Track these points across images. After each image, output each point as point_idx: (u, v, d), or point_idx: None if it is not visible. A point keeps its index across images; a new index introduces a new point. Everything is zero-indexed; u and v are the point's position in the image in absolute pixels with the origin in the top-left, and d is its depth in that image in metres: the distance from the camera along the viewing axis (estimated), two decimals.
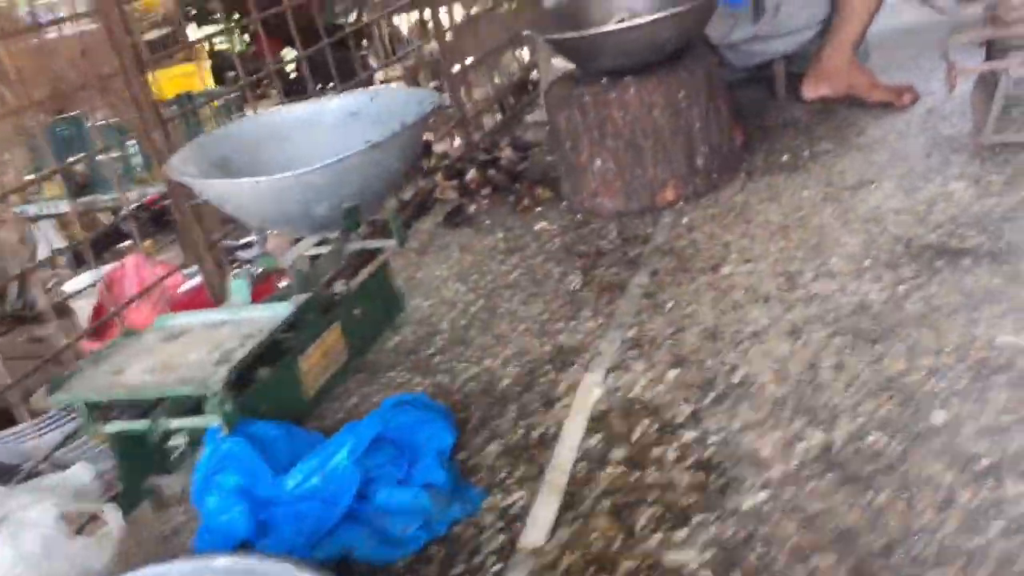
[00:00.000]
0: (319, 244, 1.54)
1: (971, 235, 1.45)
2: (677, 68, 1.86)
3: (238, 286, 1.37)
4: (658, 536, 1.02)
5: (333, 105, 1.66)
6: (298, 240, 1.55)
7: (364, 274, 1.54)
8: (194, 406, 1.22)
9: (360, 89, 1.71)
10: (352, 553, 1.10)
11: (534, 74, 3.22)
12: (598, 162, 1.90)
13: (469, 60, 2.94)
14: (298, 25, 2.18)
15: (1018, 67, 1.76)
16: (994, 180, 1.61)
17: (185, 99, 3.49)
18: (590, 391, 1.31)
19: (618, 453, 1.17)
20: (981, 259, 1.37)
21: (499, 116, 2.99)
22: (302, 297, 1.36)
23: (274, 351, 1.36)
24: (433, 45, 2.83)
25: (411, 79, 3.50)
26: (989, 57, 1.87)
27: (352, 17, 5.05)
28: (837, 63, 2.19)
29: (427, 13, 2.67)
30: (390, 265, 1.63)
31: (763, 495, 1.03)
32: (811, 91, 2.25)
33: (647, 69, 1.87)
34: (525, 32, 2.14)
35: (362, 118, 1.62)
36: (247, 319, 1.31)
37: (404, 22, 4.12)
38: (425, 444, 1.19)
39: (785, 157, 1.99)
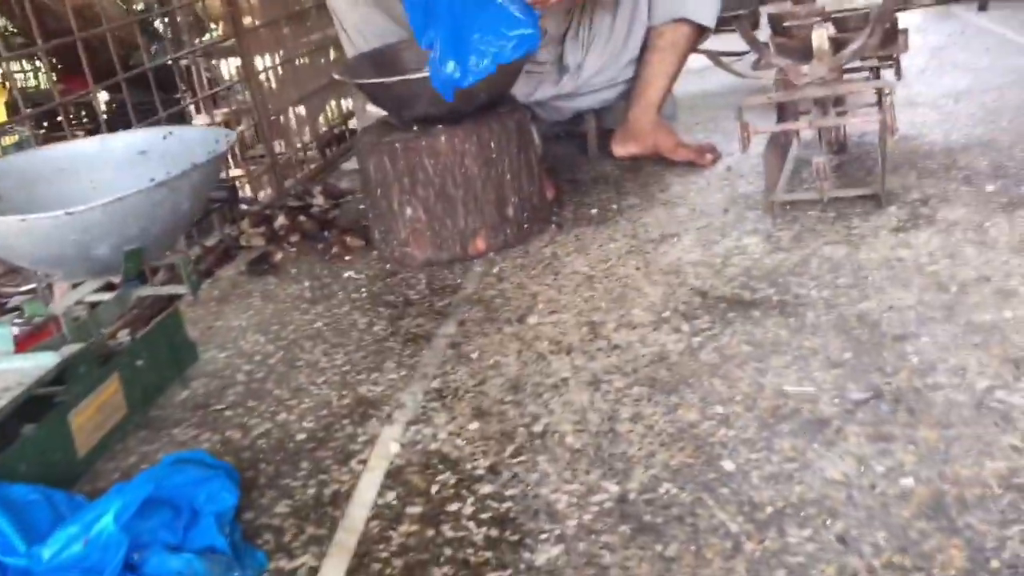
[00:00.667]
0: (106, 290, 1.43)
1: (761, 288, 1.50)
2: (488, 119, 1.87)
3: None
4: None
5: (121, 142, 1.56)
6: (77, 285, 1.43)
7: (151, 324, 1.44)
8: None
9: (152, 127, 1.62)
10: None
11: (354, 122, 3.18)
12: (408, 211, 1.86)
13: (288, 107, 2.87)
14: (98, 64, 2.05)
15: (805, 129, 1.87)
16: (783, 236, 1.69)
17: None
18: (388, 445, 1.26)
19: (414, 510, 1.12)
20: (770, 311, 1.42)
21: (315, 164, 2.92)
22: (73, 347, 1.25)
23: (40, 406, 1.24)
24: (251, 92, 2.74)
25: (231, 126, 3.39)
26: (780, 120, 1.97)
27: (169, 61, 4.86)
28: (643, 124, 2.27)
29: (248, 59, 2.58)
30: (181, 314, 1.53)
31: (557, 550, 1.00)
32: (620, 149, 2.31)
33: (458, 118, 1.86)
34: (336, 76, 2.10)
35: (152, 156, 1.53)
36: (5, 370, 1.18)
37: (225, 68, 4.00)
38: (204, 505, 1.10)
39: (594, 210, 2.02)
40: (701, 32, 2.24)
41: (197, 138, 1.52)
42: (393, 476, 1.19)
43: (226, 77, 4.13)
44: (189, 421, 1.41)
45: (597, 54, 2.29)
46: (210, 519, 1.09)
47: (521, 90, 2.21)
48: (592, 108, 2.39)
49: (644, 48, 2.27)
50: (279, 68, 2.86)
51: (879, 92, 1.79)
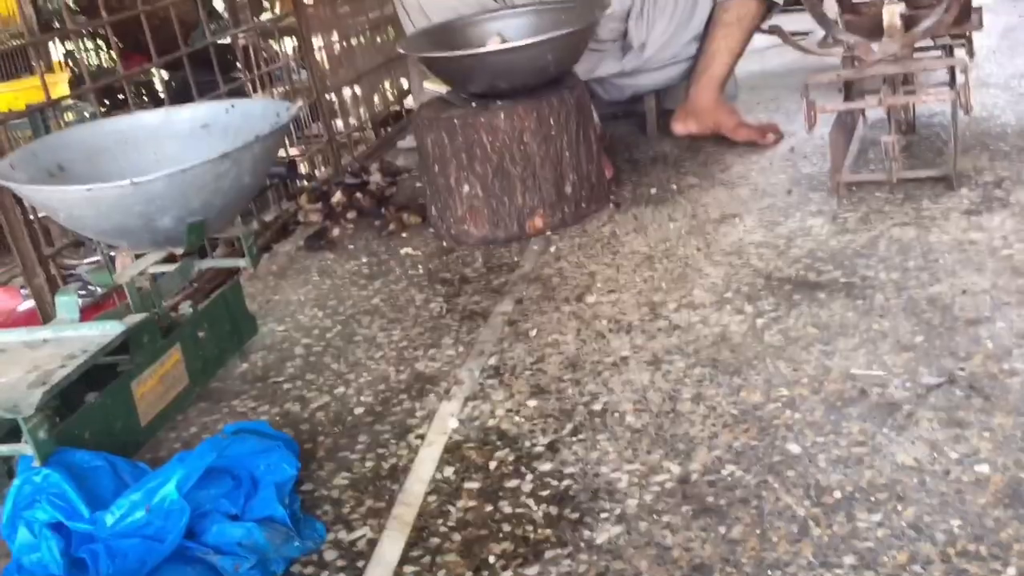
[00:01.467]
0: (168, 262, 1.44)
1: (827, 270, 1.47)
2: (548, 94, 1.85)
3: (64, 302, 1.26)
4: (508, 573, 0.96)
5: (185, 115, 1.56)
6: (140, 256, 1.45)
7: (212, 296, 1.45)
8: (9, 432, 1.11)
9: (215, 100, 1.62)
10: None
11: (409, 101, 3.18)
12: (466, 187, 1.85)
13: (344, 86, 2.88)
14: (158, 43, 2.07)
15: (873, 108, 1.82)
16: (849, 217, 1.64)
17: (36, 112, 3.28)
18: (446, 421, 1.25)
19: (472, 485, 1.11)
20: (836, 293, 1.39)
21: (371, 143, 2.93)
22: (137, 317, 1.26)
23: (104, 374, 1.26)
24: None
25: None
26: (847, 99, 1.92)
27: (228, 40, 4.90)
28: (704, 102, 2.23)
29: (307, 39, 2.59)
30: (241, 287, 1.54)
31: (618, 529, 0.99)
32: (680, 128, 2.28)
33: (519, 94, 1.84)
34: (401, 50, 2.09)
35: (215, 130, 1.53)
36: (72, 338, 1.20)
37: (280, 47, 4.02)
38: (264, 476, 1.11)
39: (653, 190, 2.00)
40: (768, 9, 2.19)
41: (259, 111, 1.53)
42: (451, 451, 1.19)
43: (281, 57, 4.16)
44: (248, 393, 1.42)
45: (660, 31, 2.25)
46: (270, 489, 1.09)
47: (582, 67, 2.17)
48: (654, 87, 2.35)
49: (708, 24, 2.23)
50: (336, 46, 2.87)
51: (953, 70, 1.73)
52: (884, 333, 1.25)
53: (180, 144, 1.53)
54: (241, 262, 1.49)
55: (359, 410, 1.33)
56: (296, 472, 1.14)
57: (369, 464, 1.19)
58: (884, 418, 1.07)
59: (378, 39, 3.17)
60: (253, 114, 1.53)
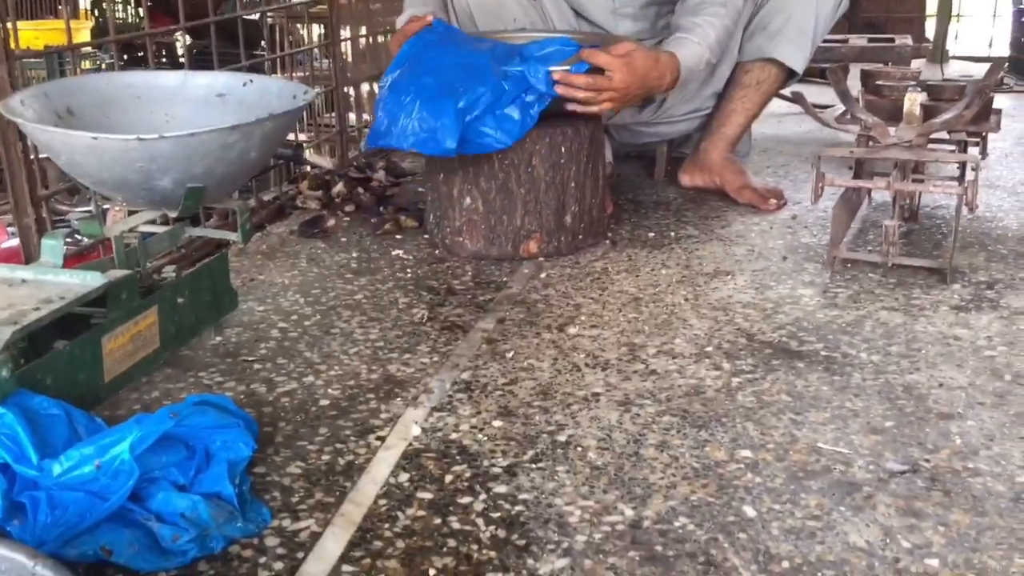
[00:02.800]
0: (160, 224, 1.43)
1: (810, 340, 1.47)
2: (564, 123, 1.85)
3: (50, 246, 1.25)
4: None
5: (202, 81, 1.56)
6: (133, 212, 1.44)
7: (198, 265, 1.44)
8: None
9: (235, 72, 1.62)
10: (110, 556, 0.99)
11: None
12: (467, 200, 1.85)
13: (364, 80, 2.89)
14: (190, 7, 2.07)
15: (881, 190, 1.83)
16: (840, 293, 1.65)
17: (55, 54, 3.27)
18: (409, 427, 1.25)
19: (424, 495, 1.10)
20: (815, 365, 1.39)
21: None
22: (119, 273, 1.25)
23: (77, 325, 1.24)
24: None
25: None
26: (856, 177, 1.94)
27: (256, 17, 4.92)
28: (713, 159, 2.24)
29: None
30: (228, 261, 1.53)
31: (562, 563, 0.98)
32: (687, 178, 2.29)
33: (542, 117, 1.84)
34: None
35: (230, 101, 1.53)
36: (51, 283, 1.19)
37: (307, 33, 4.03)
38: (219, 451, 1.10)
39: (651, 234, 2.00)
40: (788, 76, 2.21)
41: (276, 90, 1.52)
42: (409, 458, 1.18)
43: (307, 42, 4.17)
44: (217, 367, 1.41)
45: (681, 88, 2.26)
46: (222, 466, 1.08)
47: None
48: (669, 137, 2.37)
49: (728, 83, 2.25)
50: (362, 40, 2.87)
51: (964, 166, 1.75)
52: (856, 412, 1.25)
53: (193, 109, 1.53)
54: (232, 236, 1.48)
55: (324, 402, 1.32)
56: (251, 453, 1.13)
57: (325, 457, 1.18)
58: (843, 496, 1.07)
59: None
60: (270, 92, 1.53)
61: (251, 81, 1.56)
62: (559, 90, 1.72)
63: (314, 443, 1.21)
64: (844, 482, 1.10)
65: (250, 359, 1.44)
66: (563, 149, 1.84)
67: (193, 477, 1.07)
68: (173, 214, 1.39)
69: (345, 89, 2.81)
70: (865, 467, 1.13)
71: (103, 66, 3.31)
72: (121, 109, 1.52)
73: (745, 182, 2.22)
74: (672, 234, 2.00)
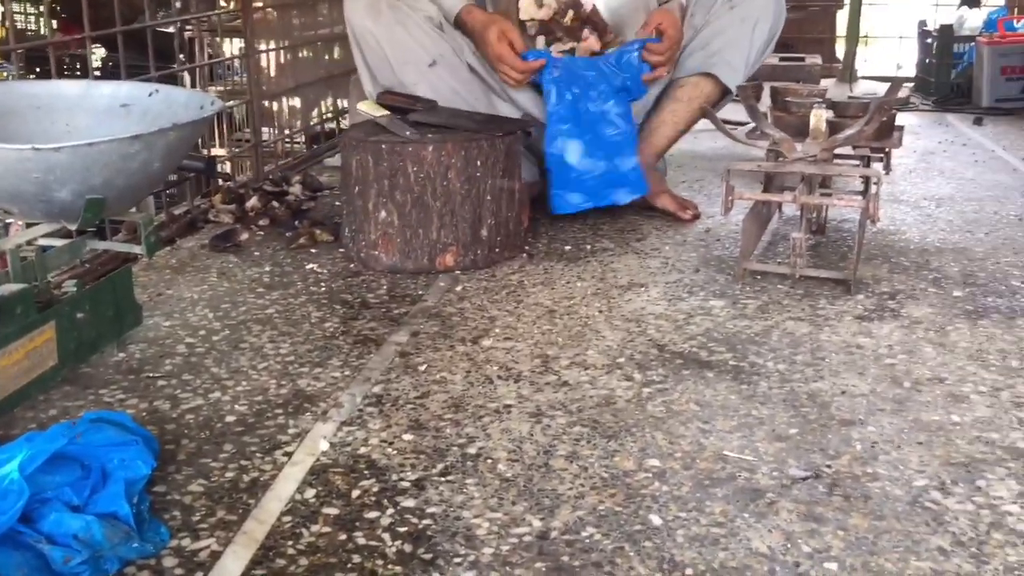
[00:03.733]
0: (62, 237, 1.39)
1: (719, 351, 1.49)
2: (480, 137, 1.85)
3: None
4: None
5: (105, 91, 1.52)
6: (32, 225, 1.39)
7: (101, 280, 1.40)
8: None
9: (140, 82, 1.59)
10: None
11: (347, 122, 3.16)
12: (383, 213, 1.84)
13: (282, 94, 2.85)
14: (101, 20, 2.02)
15: (789, 203, 1.87)
16: (749, 304, 1.68)
17: None
18: (317, 442, 1.23)
19: (330, 511, 1.08)
20: (724, 375, 1.41)
21: (300, 156, 2.90)
22: (13, 287, 1.21)
23: None
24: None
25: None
26: (766, 190, 1.98)
27: (172, 30, 4.83)
28: None
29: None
30: (132, 274, 1.49)
31: (468, 575, 0.97)
32: None
33: (455, 129, 1.85)
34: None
35: (134, 111, 1.49)
36: None
37: (229, 48, 3.97)
38: (116, 470, 1.06)
39: (568, 247, 2.01)
40: (720, 97, 2.24)
41: (182, 100, 1.49)
42: (316, 474, 1.16)
43: (226, 55, 4.11)
44: (119, 384, 1.37)
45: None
46: (119, 485, 1.05)
47: (539, 114, 2.19)
48: None
49: (661, 97, 2.27)
50: (281, 54, 2.84)
51: (867, 179, 1.80)
52: (762, 420, 1.27)
53: (95, 119, 1.49)
54: (137, 249, 1.44)
55: (230, 418, 1.29)
56: (150, 471, 1.09)
57: (229, 475, 1.16)
58: (747, 503, 1.09)
59: (326, 56, 3.16)
60: (176, 102, 1.50)
61: (157, 91, 1.52)
62: (651, 59, 2.09)
63: (218, 460, 1.19)
64: (748, 489, 1.11)
65: (154, 376, 1.40)
66: (479, 162, 1.84)
67: (88, 497, 1.03)
68: (73, 227, 1.35)
69: (265, 103, 2.78)
70: (769, 474, 1.15)
71: (9, 77, 3.22)
72: (20, 119, 1.47)
73: (665, 189, 2.25)
74: (588, 247, 2.02)
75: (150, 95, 1.52)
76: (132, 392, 1.35)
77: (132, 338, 1.51)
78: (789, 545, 1.01)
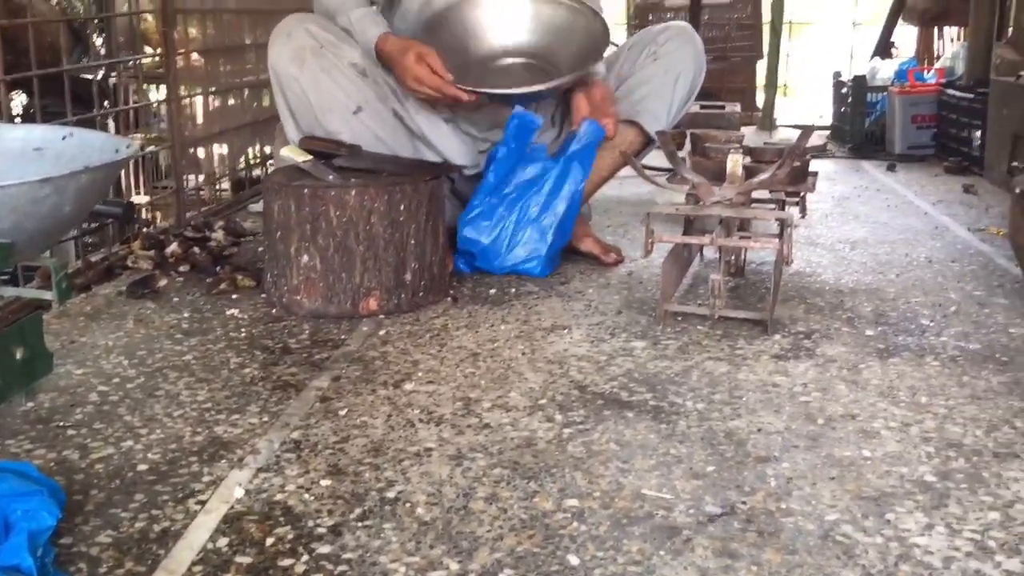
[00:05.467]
0: None
1: (640, 391, 1.51)
2: (404, 181, 1.86)
3: None
4: None
5: (18, 134, 1.49)
6: None
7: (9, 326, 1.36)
8: None
9: (54, 126, 1.56)
10: None
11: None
12: (305, 258, 1.83)
13: (207, 141, 2.83)
14: (20, 66, 1.98)
15: (707, 245, 1.91)
16: (670, 345, 1.71)
17: None
18: (232, 490, 1.20)
19: (243, 559, 1.06)
20: (644, 414, 1.42)
21: (224, 203, 2.87)
22: None
23: None
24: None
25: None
26: (686, 233, 2.02)
27: (99, 75, 4.77)
28: None
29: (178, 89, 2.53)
30: (42, 321, 1.45)
31: None
32: None
33: (379, 174, 1.85)
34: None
35: (47, 155, 1.47)
36: None
37: (155, 95, 3.94)
38: (19, 521, 1.02)
39: (493, 290, 2.02)
40: (643, 146, 2.28)
41: (98, 143, 1.47)
42: (230, 522, 1.13)
43: (153, 103, 4.07)
44: (27, 434, 1.33)
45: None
46: (22, 536, 1.01)
47: (463, 160, 2.21)
48: None
49: None
50: (205, 100, 2.83)
51: (781, 222, 1.85)
52: (680, 459, 1.29)
53: (7, 163, 1.45)
54: (47, 295, 1.41)
55: (142, 467, 1.26)
56: (55, 522, 1.05)
57: (139, 525, 1.12)
58: (664, 540, 1.09)
59: (255, 103, 3.15)
60: (92, 145, 1.48)
61: (71, 135, 1.50)
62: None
63: (128, 510, 1.15)
64: (665, 527, 1.12)
65: (64, 425, 1.36)
66: (402, 207, 1.85)
67: None
68: None
69: (190, 150, 2.75)
70: (686, 511, 1.15)
71: None
72: None
73: (589, 233, 2.28)
74: (513, 291, 2.03)
75: (64, 139, 1.50)
76: (40, 442, 1.31)
77: (42, 387, 1.47)
78: None
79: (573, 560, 1.06)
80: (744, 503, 1.17)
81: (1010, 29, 4.06)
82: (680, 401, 1.47)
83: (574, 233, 2.25)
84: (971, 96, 3.63)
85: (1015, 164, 3.07)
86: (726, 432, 1.37)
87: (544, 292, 2.02)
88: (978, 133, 3.51)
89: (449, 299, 1.96)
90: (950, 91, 3.87)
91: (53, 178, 1.23)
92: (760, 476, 1.24)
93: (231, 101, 3.00)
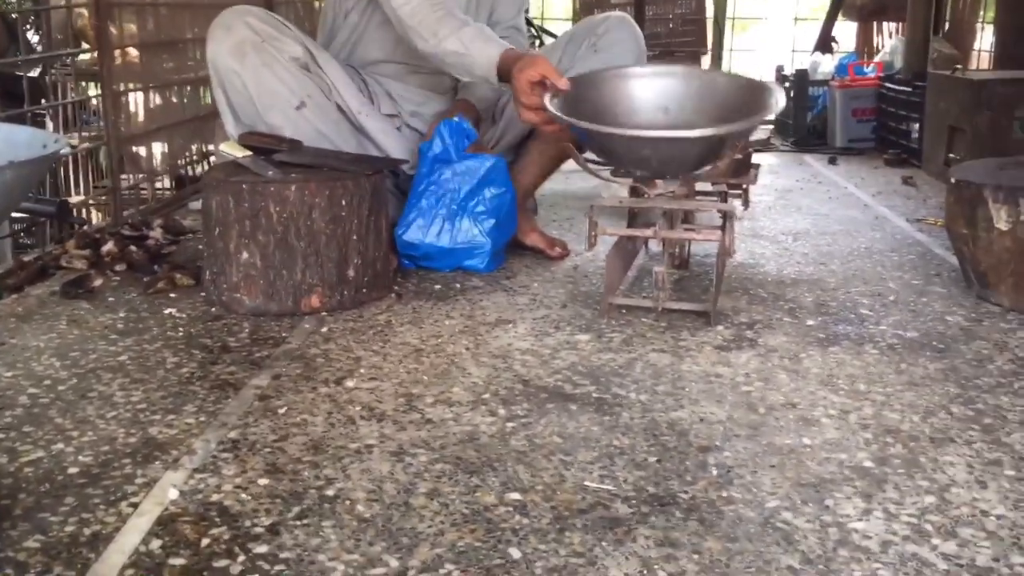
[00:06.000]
0: None
1: (584, 383, 1.50)
2: (345, 176, 1.84)
3: None
4: None
5: None
6: None
7: None
8: None
9: None
10: None
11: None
12: (244, 255, 1.80)
13: (145, 138, 2.77)
14: None
15: (650, 237, 1.91)
16: (614, 338, 1.70)
17: None
18: (166, 491, 1.17)
19: (177, 561, 1.03)
20: (587, 407, 1.42)
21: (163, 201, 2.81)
22: None
23: None
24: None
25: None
26: (631, 226, 2.02)
27: (35, 72, 4.65)
28: None
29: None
30: None
31: None
32: None
33: (320, 169, 1.83)
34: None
35: None
36: None
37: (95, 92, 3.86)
38: None
39: (438, 286, 2.01)
40: None
41: (25, 139, 1.43)
42: (164, 524, 1.10)
43: (95, 102, 3.98)
44: None
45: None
46: None
47: (405, 156, 2.19)
48: None
49: (527, 137, 2.30)
50: (145, 96, 2.77)
51: (724, 214, 1.85)
52: (623, 450, 1.28)
53: None
54: None
55: (73, 470, 1.22)
56: None
57: (69, 529, 1.09)
58: (605, 532, 1.09)
59: (192, 99, 3.10)
60: (17, 142, 1.43)
61: None
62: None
63: (57, 514, 1.12)
64: (608, 518, 1.12)
65: None
66: (344, 202, 1.83)
67: None
68: None
69: (129, 148, 2.69)
70: (628, 502, 1.15)
71: None
72: None
73: (534, 227, 2.28)
74: (458, 286, 2.02)
75: None
76: None
77: None
78: (646, 571, 1.01)
79: (515, 553, 1.05)
80: (686, 492, 1.18)
81: (947, 23, 4.14)
82: (623, 393, 1.47)
83: (519, 228, 2.25)
84: (909, 89, 3.70)
85: (952, 156, 3.13)
86: (668, 423, 1.37)
87: (489, 287, 2.01)
88: (916, 126, 3.57)
89: (393, 295, 1.94)
90: (889, 85, 3.93)
91: None
92: (702, 465, 1.24)
93: (170, 98, 2.95)
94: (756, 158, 2.34)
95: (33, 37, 4.39)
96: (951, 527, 1.10)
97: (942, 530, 1.10)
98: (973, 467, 1.24)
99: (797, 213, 2.77)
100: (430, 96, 2.33)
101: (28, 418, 1.36)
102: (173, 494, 1.17)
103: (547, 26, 4.98)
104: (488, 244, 2.08)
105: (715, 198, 2.18)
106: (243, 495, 1.17)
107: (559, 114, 1.78)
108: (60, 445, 1.29)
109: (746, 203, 2.33)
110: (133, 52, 2.76)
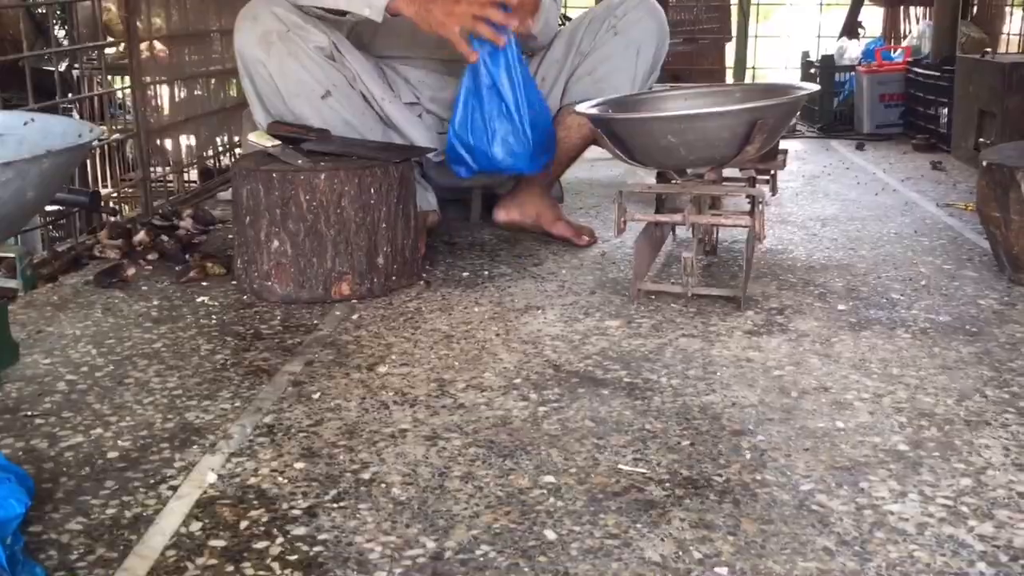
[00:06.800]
0: None
1: (614, 368, 1.51)
2: (374, 164, 1.85)
3: None
4: None
5: None
6: None
7: None
8: None
9: (14, 112, 1.54)
10: None
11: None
12: (275, 243, 1.81)
13: (174, 130, 2.79)
14: None
15: (679, 223, 1.91)
16: (644, 323, 1.71)
17: None
18: (205, 475, 1.19)
19: (217, 543, 1.05)
20: (618, 391, 1.42)
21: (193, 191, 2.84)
22: None
23: None
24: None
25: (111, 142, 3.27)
26: (658, 212, 2.02)
27: (63, 67, 4.69)
28: (531, 194, 2.29)
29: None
30: (7, 311, 1.43)
31: None
32: (503, 215, 2.32)
33: (348, 157, 1.84)
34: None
35: (8, 141, 1.44)
36: None
37: (120, 85, 3.88)
38: None
39: (466, 273, 2.02)
40: None
41: (60, 129, 1.45)
42: (203, 506, 1.12)
43: (120, 96, 4.01)
44: None
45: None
46: None
47: (430, 144, 2.19)
48: (487, 186, 2.39)
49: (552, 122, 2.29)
50: (170, 88, 2.79)
51: (752, 199, 1.85)
52: (655, 434, 1.29)
53: None
54: (12, 283, 1.39)
55: (113, 454, 1.24)
56: (24, 510, 1.04)
57: (110, 511, 1.11)
58: (640, 514, 1.09)
59: (218, 90, 3.12)
60: (53, 131, 1.45)
61: (32, 120, 1.47)
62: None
63: (98, 497, 1.14)
64: (642, 500, 1.12)
65: (32, 414, 1.34)
66: (372, 190, 1.83)
67: None
68: None
69: (157, 140, 2.72)
70: (662, 485, 1.16)
71: None
72: None
73: (560, 216, 2.28)
74: (486, 273, 2.02)
75: (25, 124, 1.47)
76: (8, 431, 1.29)
77: (8, 377, 1.44)
78: (681, 553, 1.02)
79: (550, 535, 1.05)
80: (720, 475, 1.18)
81: (975, 7, 4.09)
82: (655, 378, 1.47)
83: (545, 217, 2.25)
84: (937, 74, 3.66)
85: (982, 140, 3.10)
86: (700, 407, 1.37)
87: (517, 274, 2.01)
88: (945, 110, 3.54)
89: (422, 283, 1.95)
90: (917, 69, 3.90)
91: (15, 162, 1.21)
92: (735, 449, 1.24)
93: (197, 90, 2.97)
94: (783, 144, 2.33)
95: (60, 32, 4.43)
96: (988, 509, 1.10)
97: (978, 512, 1.09)
98: (1009, 449, 1.24)
99: (825, 199, 2.76)
100: (448, 81, 2.33)
101: (67, 404, 1.38)
102: (211, 477, 1.18)
103: (568, 13, 4.97)
104: (528, 144, 1.95)
105: (743, 184, 2.18)
106: (280, 478, 1.18)
107: (586, 111, 1.78)
108: (99, 430, 1.30)
109: (774, 189, 2.32)
110: (160, 45, 2.78)
